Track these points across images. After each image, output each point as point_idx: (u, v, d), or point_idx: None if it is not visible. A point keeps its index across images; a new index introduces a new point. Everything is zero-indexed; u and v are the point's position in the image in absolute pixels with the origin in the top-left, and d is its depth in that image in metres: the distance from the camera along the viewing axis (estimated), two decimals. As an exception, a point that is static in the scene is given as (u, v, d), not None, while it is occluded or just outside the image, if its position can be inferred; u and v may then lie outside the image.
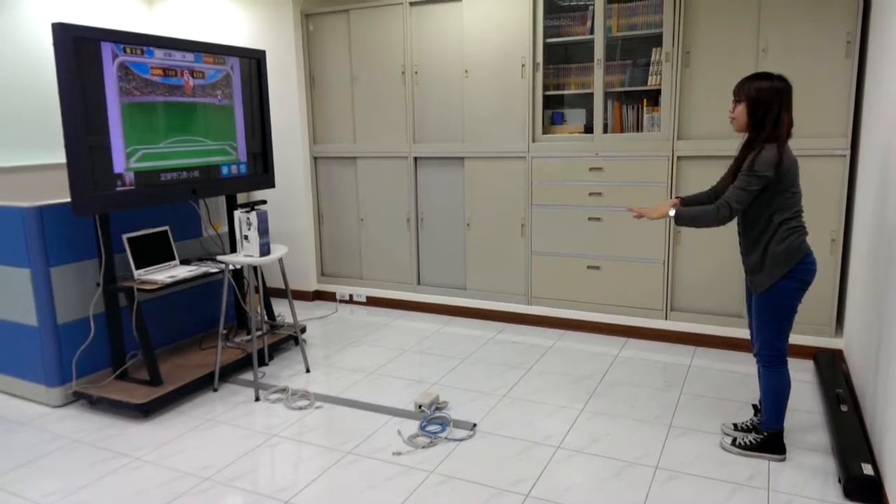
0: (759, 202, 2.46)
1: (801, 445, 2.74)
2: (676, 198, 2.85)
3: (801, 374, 3.48)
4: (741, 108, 2.48)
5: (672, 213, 2.58)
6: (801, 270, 2.46)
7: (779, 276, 2.46)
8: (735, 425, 2.83)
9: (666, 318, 4.04)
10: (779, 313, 2.52)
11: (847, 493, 2.35)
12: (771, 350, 2.57)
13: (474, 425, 2.99)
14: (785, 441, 2.66)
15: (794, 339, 3.69)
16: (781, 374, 2.58)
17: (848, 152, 3.48)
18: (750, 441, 2.66)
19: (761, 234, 2.49)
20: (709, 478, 2.52)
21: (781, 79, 2.46)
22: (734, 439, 2.71)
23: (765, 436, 2.64)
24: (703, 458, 2.66)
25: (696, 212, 2.55)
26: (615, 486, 2.48)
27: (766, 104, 2.43)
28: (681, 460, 2.65)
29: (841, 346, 3.61)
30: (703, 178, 3.82)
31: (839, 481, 2.43)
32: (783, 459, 2.61)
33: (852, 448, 2.50)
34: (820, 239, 3.60)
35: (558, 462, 2.67)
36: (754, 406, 2.91)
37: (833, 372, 3.25)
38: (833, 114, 3.49)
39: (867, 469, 2.36)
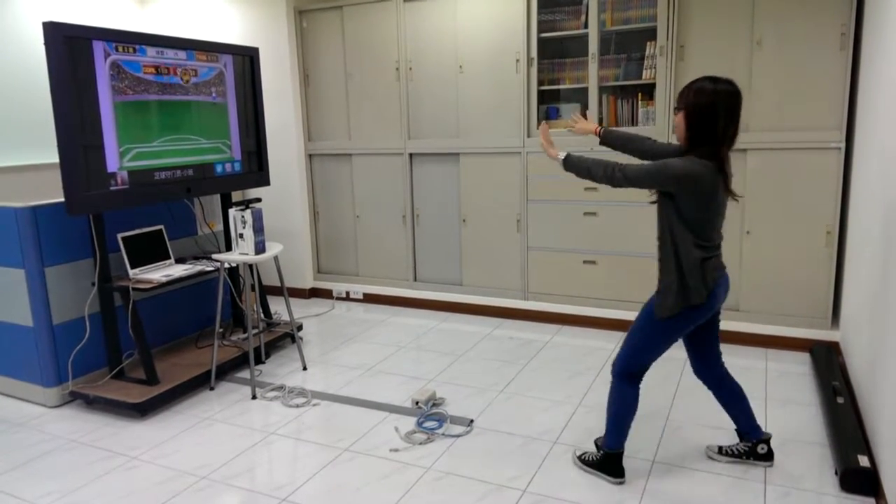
0: (666, 206, 2.22)
1: (797, 438, 2.74)
2: (600, 126, 2.65)
3: (798, 367, 3.48)
4: (680, 116, 2.20)
5: (561, 156, 2.38)
6: (698, 308, 2.22)
7: (677, 311, 2.22)
8: (720, 448, 2.60)
9: (662, 313, 4.03)
10: (655, 339, 2.32)
11: (844, 485, 2.36)
12: (630, 364, 2.37)
13: (471, 421, 2.99)
14: (782, 433, 2.65)
15: (790, 331, 3.73)
16: (626, 390, 2.39)
17: (843, 145, 3.48)
18: (592, 458, 2.53)
19: (666, 254, 2.25)
20: (706, 471, 2.52)
21: (728, 82, 2.16)
22: (582, 454, 2.57)
23: (603, 454, 2.47)
24: (700, 452, 2.66)
25: (589, 163, 2.30)
26: (612, 481, 2.48)
27: (706, 112, 2.13)
28: (677, 454, 2.65)
29: (837, 338, 3.62)
30: (698, 172, 3.82)
31: (836, 473, 2.44)
32: (620, 483, 2.44)
33: (849, 440, 2.51)
34: (815, 232, 3.61)
35: (555, 457, 2.67)
36: (737, 432, 2.59)
37: (829, 364, 3.26)
38: (828, 106, 3.49)
39: (863, 461, 2.37)
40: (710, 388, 2.54)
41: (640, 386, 2.42)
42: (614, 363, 2.43)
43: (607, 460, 2.47)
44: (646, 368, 2.40)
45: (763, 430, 2.54)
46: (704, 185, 2.13)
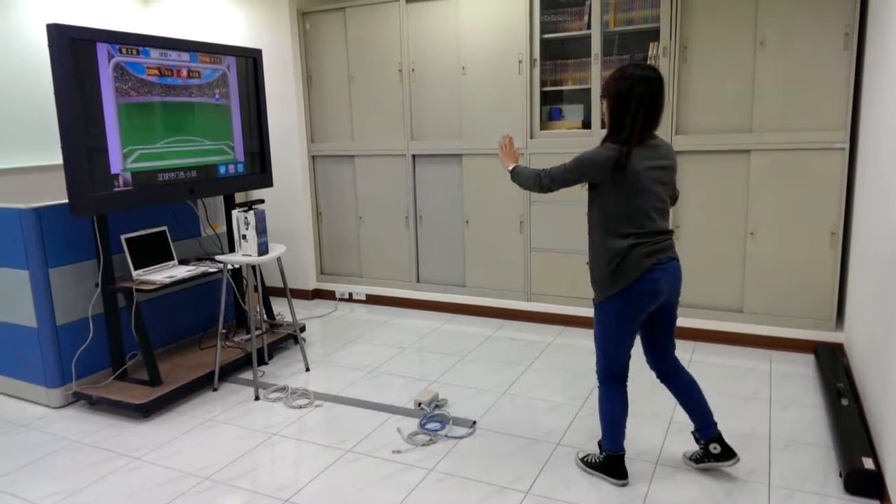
0: (594, 199, 2.33)
1: (801, 440, 2.73)
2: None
3: (802, 368, 3.47)
4: (605, 105, 2.28)
5: (511, 167, 2.55)
6: (635, 291, 2.23)
7: (611, 294, 2.26)
8: (688, 455, 2.58)
9: (666, 314, 4.02)
10: (611, 331, 2.34)
11: (848, 488, 2.35)
12: (605, 365, 2.38)
13: (474, 423, 2.98)
14: (786, 435, 2.64)
15: (795, 333, 3.71)
16: (613, 392, 2.39)
17: (847, 145, 3.47)
18: (594, 460, 2.52)
19: (594, 241, 2.34)
20: (709, 474, 2.51)
21: (648, 68, 2.20)
22: (585, 455, 2.58)
23: (603, 456, 2.49)
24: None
25: (524, 175, 2.48)
26: (615, 483, 2.48)
27: (621, 98, 2.19)
28: (680, 456, 2.64)
29: (842, 339, 3.60)
30: (700, 173, 3.82)
31: (840, 475, 2.43)
32: (623, 484, 2.43)
33: (853, 442, 2.50)
34: (819, 233, 3.60)
35: (558, 459, 2.66)
36: (692, 434, 2.55)
37: (833, 366, 3.24)
38: (832, 106, 3.48)
39: (868, 463, 2.35)
40: (661, 380, 2.50)
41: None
42: (596, 370, 2.44)
43: (609, 462, 2.47)
44: (625, 367, 2.38)
45: (715, 428, 2.46)
46: (616, 168, 2.19)
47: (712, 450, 2.47)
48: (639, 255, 2.22)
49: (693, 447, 2.60)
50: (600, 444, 2.55)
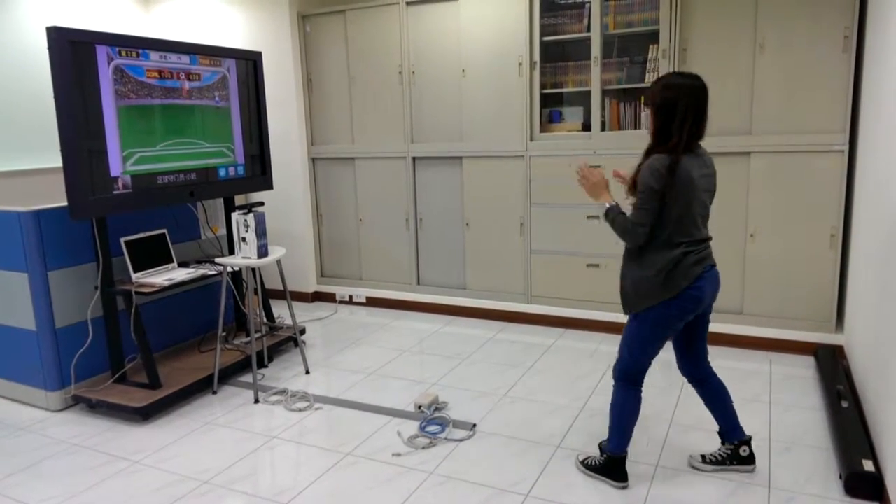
0: None
1: (801, 442, 2.73)
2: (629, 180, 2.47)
3: (802, 370, 3.47)
4: (648, 113, 2.26)
5: (607, 205, 2.36)
6: (683, 298, 2.24)
7: (656, 303, 2.25)
8: (703, 457, 2.56)
9: (666, 316, 4.02)
10: (646, 338, 2.33)
11: (848, 490, 2.34)
12: (628, 366, 2.37)
13: (474, 425, 2.98)
14: (786, 437, 2.64)
15: (795, 335, 3.71)
16: (628, 393, 2.39)
17: (846, 147, 3.47)
18: (595, 462, 2.51)
19: (637, 251, 2.29)
20: (709, 476, 2.51)
21: (693, 77, 2.21)
22: (585, 458, 2.56)
23: (604, 458, 2.48)
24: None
25: (619, 221, 2.30)
26: (616, 486, 2.47)
27: (670, 107, 2.18)
28: (682, 458, 2.64)
29: (842, 341, 3.60)
30: (701, 175, 3.81)
31: (840, 478, 2.42)
32: (624, 487, 2.43)
33: (853, 444, 2.49)
34: (819, 234, 3.60)
35: (559, 461, 2.66)
36: (719, 434, 2.57)
37: (834, 368, 3.24)
38: (831, 109, 3.48)
39: (868, 465, 2.35)
40: (693, 385, 2.53)
41: (643, 389, 2.42)
42: (614, 368, 2.44)
43: (610, 464, 2.46)
44: (644, 371, 2.40)
45: (744, 431, 2.52)
46: (671, 179, 2.16)
47: (742, 452, 2.50)
48: (689, 263, 2.23)
49: (699, 449, 2.60)
50: (601, 447, 2.55)
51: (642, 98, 2.29)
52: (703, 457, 2.57)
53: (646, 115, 2.31)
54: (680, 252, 2.23)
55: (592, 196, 2.42)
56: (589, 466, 2.54)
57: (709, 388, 2.50)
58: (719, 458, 2.53)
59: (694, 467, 2.56)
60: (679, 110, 2.17)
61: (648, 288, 2.26)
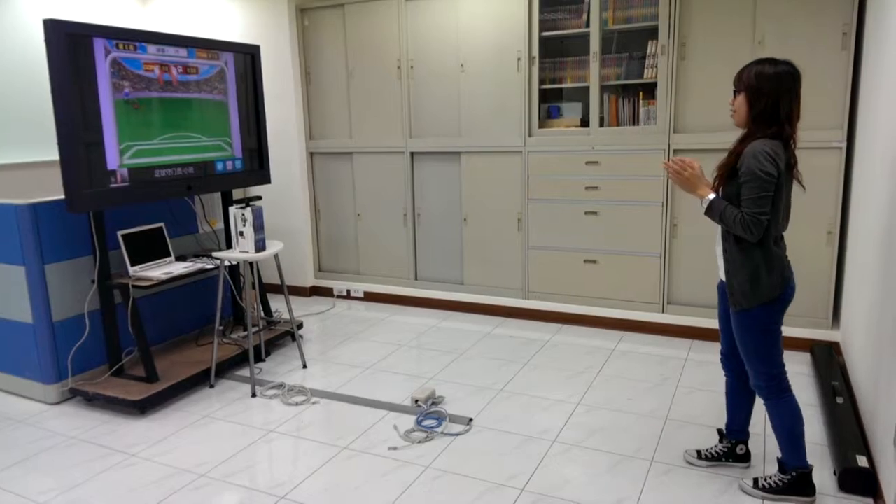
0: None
1: (797, 438, 2.74)
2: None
3: (798, 367, 3.48)
4: (741, 98, 2.16)
5: (707, 201, 2.19)
6: (790, 291, 2.23)
7: (772, 298, 2.19)
8: (699, 452, 2.57)
9: (663, 312, 4.03)
10: (769, 336, 2.24)
11: (842, 486, 2.35)
12: (766, 380, 2.26)
13: (471, 420, 2.99)
14: (750, 455, 2.59)
15: (791, 331, 3.71)
16: (784, 403, 2.25)
17: (844, 144, 3.47)
18: (775, 482, 2.30)
19: (752, 247, 2.18)
20: (704, 471, 2.52)
21: (788, 63, 2.13)
22: (755, 480, 2.35)
23: (792, 476, 2.28)
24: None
25: (729, 215, 2.14)
26: (611, 480, 2.48)
27: (769, 93, 2.09)
28: (677, 454, 2.65)
29: (837, 338, 3.61)
30: (699, 172, 3.81)
31: (834, 473, 2.43)
32: (812, 502, 2.28)
33: (848, 440, 2.50)
34: (816, 231, 3.60)
35: (554, 456, 2.67)
36: (719, 431, 2.58)
37: (829, 364, 3.25)
38: (829, 106, 3.48)
39: (862, 461, 2.36)
40: (730, 377, 2.48)
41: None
42: (757, 387, 2.29)
43: (801, 481, 2.28)
44: (785, 371, 2.29)
45: (748, 434, 2.52)
46: (780, 162, 2.09)
47: (738, 451, 2.51)
48: (786, 260, 2.24)
49: (694, 445, 2.60)
50: (782, 463, 2.33)
51: (735, 81, 2.21)
52: (698, 452, 2.58)
53: (737, 101, 2.19)
54: (781, 248, 2.22)
55: (689, 190, 2.25)
56: (773, 489, 2.30)
57: (745, 385, 2.44)
58: (715, 455, 2.54)
59: (689, 462, 2.57)
60: (784, 96, 2.09)
61: (766, 284, 2.17)
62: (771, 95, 2.10)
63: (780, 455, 2.33)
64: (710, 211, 2.19)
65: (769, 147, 2.09)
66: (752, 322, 2.23)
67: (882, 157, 2.68)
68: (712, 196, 2.20)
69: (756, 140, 2.12)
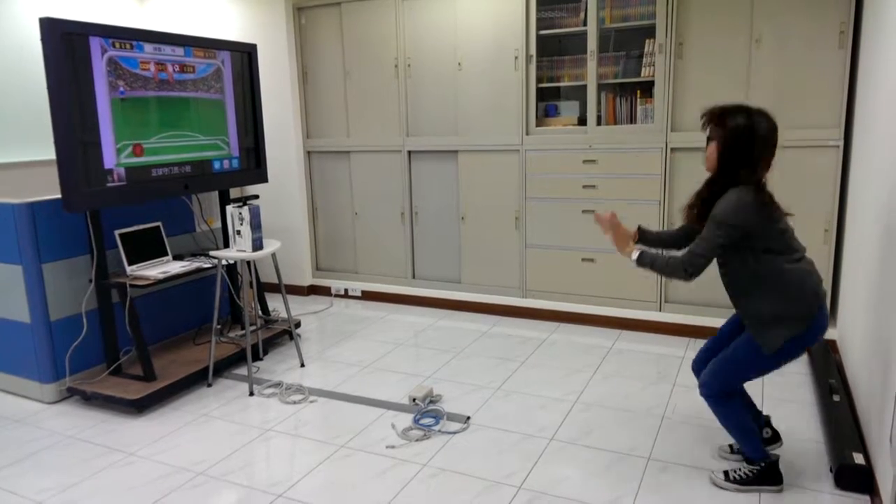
0: (742, 253, 2.17)
1: (793, 436, 2.74)
2: (636, 229, 2.51)
3: (795, 365, 3.48)
4: (713, 147, 2.17)
5: (635, 255, 2.26)
6: (820, 321, 2.16)
7: (795, 333, 2.15)
8: (731, 447, 2.59)
9: (660, 310, 4.04)
10: (770, 366, 2.25)
11: (838, 483, 2.36)
12: (726, 386, 2.30)
13: (468, 418, 2.99)
14: (779, 432, 2.63)
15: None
16: (729, 405, 2.32)
17: (841, 143, 3.48)
18: (744, 474, 2.37)
19: (758, 286, 2.18)
20: (700, 468, 2.53)
21: (762, 114, 2.13)
22: (726, 473, 2.40)
23: (761, 466, 2.35)
24: (695, 449, 2.66)
25: (659, 261, 2.22)
26: (607, 478, 2.49)
27: (744, 146, 2.10)
28: (673, 452, 2.65)
29: (834, 336, 3.62)
30: (696, 170, 3.81)
31: (831, 471, 2.44)
32: (780, 490, 2.35)
33: (844, 438, 2.51)
34: (813, 230, 3.61)
35: (551, 454, 2.67)
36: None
37: (826, 362, 3.26)
38: (826, 104, 3.49)
39: (858, 458, 2.37)
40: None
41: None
42: (705, 384, 2.32)
43: (768, 470, 2.34)
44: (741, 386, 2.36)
45: (762, 414, 2.57)
46: (757, 204, 2.11)
47: (764, 434, 2.52)
48: (815, 280, 2.16)
49: (690, 441, 2.60)
50: (747, 457, 2.39)
51: (707, 129, 2.23)
52: (730, 447, 2.59)
53: (709, 148, 2.22)
54: (804, 265, 2.16)
55: (620, 245, 2.33)
56: (743, 480, 2.35)
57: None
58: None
59: (723, 457, 2.58)
60: (758, 148, 2.11)
61: (791, 316, 2.13)
62: (746, 149, 2.11)
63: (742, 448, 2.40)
64: (641, 262, 2.26)
65: (750, 198, 2.10)
66: (766, 358, 2.21)
67: (879, 156, 2.68)
68: (637, 253, 2.27)
69: (733, 189, 2.13)
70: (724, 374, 2.29)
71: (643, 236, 2.51)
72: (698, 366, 2.51)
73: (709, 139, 2.20)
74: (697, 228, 2.26)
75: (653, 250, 2.31)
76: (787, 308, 2.14)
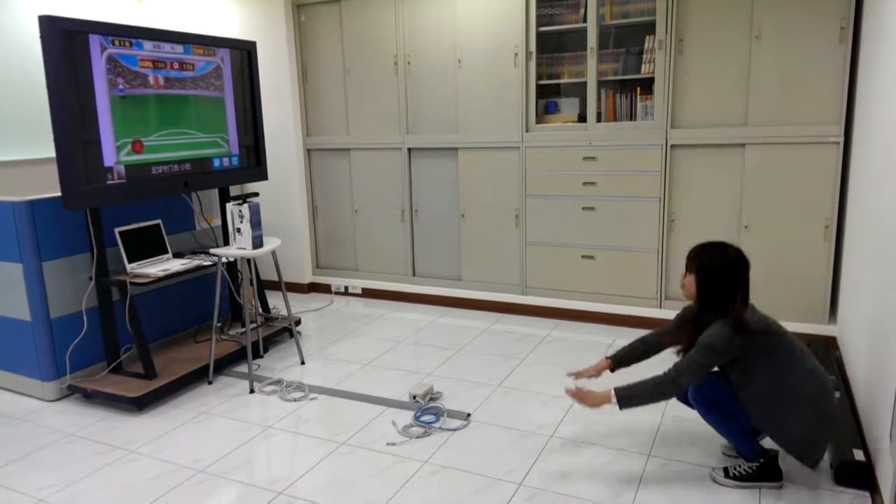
0: (743, 376, 2.27)
1: (793, 432, 2.74)
2: (606, 358, 2.63)
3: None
4: (691, 279, 2.33)
5: (614, 400, 2.28)
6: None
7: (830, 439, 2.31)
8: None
9: (660, 307, 4.04)
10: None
11: (838, 479, 2.36)
12: (709, 399, 2.37)
13: (468, 415, 2.99)
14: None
15: (788, 326, 3.69)
16: (714, 411, 2.38)
17: (841, 139, 3.48)
18: (744, 470, 2.39)
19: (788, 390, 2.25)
20: (700, 465, 2.53)
21: (738, 252, 2.30)
22: (726, 470, 2.42)
23: (760, 463, 2.38)
24: (695, 447, 2.67)
25: (641, 393, 2.27)
26: (608, 475, 2.49)
27: (718, 280, 2.27)
28: (673, 448, 2.66)
29: (835, 333, 3.62)
30: (695, 167, 3.82)
31: (831, 467, 2.44)
32: (780, 486, 2.37)
33: (844, 434, 2.51)
34: (814, 226, 3.61)
35: (551, 451, 2.68)
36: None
37: (826, 359, 3.25)
38: (826, 100, 3.48)
39: (859, 455, 2.37)
40: (700, 406, 2.46)
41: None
42: (696, 389, 2.37)
43: (768, 465, 2.38)
44: None
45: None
46: (739, 337, 2.21)
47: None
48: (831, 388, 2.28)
49: (691, 438, 2.60)
50: (746, 458, 2.42)
51: (687, 261, 2.38)
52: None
53: (687, 278, 2.37)
54: (820, 376, 2.27)
55: (595, 405, 2.35)
56: (743, 477, 2.38)
57: (710, 406, 2.44)
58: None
59: (726, 454, 2.59)
60: (736, 281, 2.26)
61: (824, 425, 2.25)
62: (721, 282, 2.27)
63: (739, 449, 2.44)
64: (621, 401, 2.27)
65: (727, 332, 2.22)
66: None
67: (880, 152, 2.68)
68: (614, 393, 2.29)
69: (720, 321, 2.25)
70: (713, 393, 2.36)
71: (617, 362, 2.62)
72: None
73: (687, 270, 2.36)
74: (678, 326, 2.49)
75: (628, 383, 2.31)
76: (819, 415, 2.23)
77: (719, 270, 2.28)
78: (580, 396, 2.35)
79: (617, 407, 2.27)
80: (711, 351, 2.22)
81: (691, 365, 2.24)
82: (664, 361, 2.47)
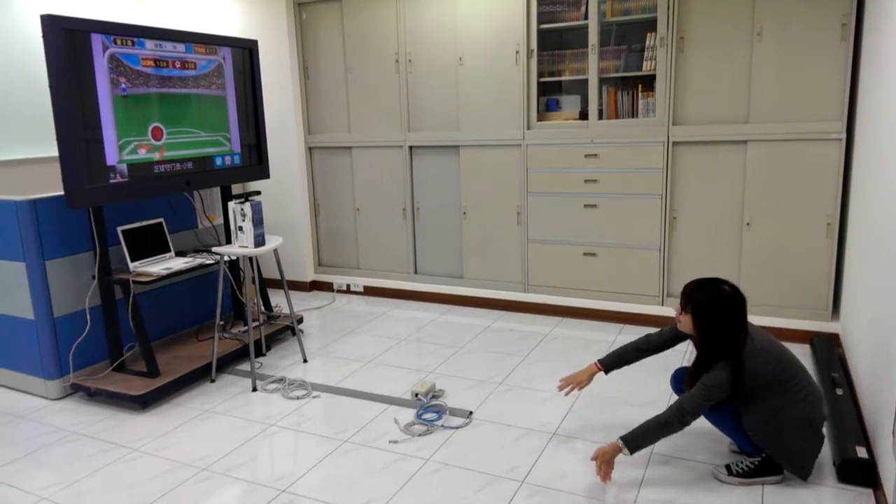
0: (751, 404, 2.31)
1: (796, 429, 2.74)
2: (595, 364, 2.68)
3: (798, 358, 3.47)
4: (687, 318, 2.34)
5: (625, 451, 2.30)
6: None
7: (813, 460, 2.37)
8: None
9: (662, 305, 4.04)
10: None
11: (841, 476, 2.36)
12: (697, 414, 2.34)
13: (470, 413, 3.00)
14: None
15: (791, 323, 3.73)
16: (719, 409, 2.40)
17: (844, 136, 3.47)
18: (746, 466, 2.40)
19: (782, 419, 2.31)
20: (703, 462, 2.53)
21: (733, 289, 2.30)
22: (728, 467, 2.42)
23: (762, 458, 2.39)
24: (698, 443, 2.67)
25: (649, 434, 2.29)
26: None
27: (714, 318, 2.28)
28: (676, 446, 2.66)
29: (837, 329, 3.62)
30: (697, 164, 3.82)
31: (834, 464, 2.44)
32: (781, 479, 2.39)
33: (847, 432, 2.51)
34: (816, 223, 3.60)
35: (554, 449, 2.68)
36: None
37: (829, 356, 3.26)
38: (828, 97, 3.48)
39: (861, 452, 2.37)
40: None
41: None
42: (684, 402, 2.36)
43: (769, 460, 2.39)
44: None
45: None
46: (751, 360, 2.27)
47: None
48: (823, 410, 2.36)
49: (694, 439, 2.61)
50: (745, 451, 2.46)
51: (681, 299, 2.39)
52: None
53: (683, 317, 2.38)
54: (817, 397, 2.35)
55: (610, 459, 2.36)
56: (746, 473, 2.39)
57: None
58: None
59: (732, 450, 2.59)
60: (731, 318, 2.28)
61: (818, 444, 2.36)
62: (716, 320, 2.28)
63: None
64: (630, 446, 2.30)
65: (726, 378, 2.24)
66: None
67: (882, 148, 2.67)
68: (621, 441, 2.31)
69: (721, 362, 2.26)
70: (703, 407, 2.35)
71: (609, 367, 2.67)
72: (676, 383, 2.57)
73: (683, 309, 2.36)
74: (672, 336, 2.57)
75: (631, 430, 2.33)
76: (811, 428, 2.33)
77: (714, 308, 2.28)
78: (600, 467, 2.35)
79: (625, 451, 2.31)
80: (714, 391, 2.25)
81: (695, 406, 2.27)
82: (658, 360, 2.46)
